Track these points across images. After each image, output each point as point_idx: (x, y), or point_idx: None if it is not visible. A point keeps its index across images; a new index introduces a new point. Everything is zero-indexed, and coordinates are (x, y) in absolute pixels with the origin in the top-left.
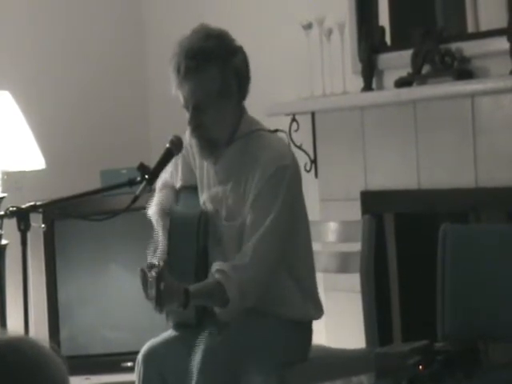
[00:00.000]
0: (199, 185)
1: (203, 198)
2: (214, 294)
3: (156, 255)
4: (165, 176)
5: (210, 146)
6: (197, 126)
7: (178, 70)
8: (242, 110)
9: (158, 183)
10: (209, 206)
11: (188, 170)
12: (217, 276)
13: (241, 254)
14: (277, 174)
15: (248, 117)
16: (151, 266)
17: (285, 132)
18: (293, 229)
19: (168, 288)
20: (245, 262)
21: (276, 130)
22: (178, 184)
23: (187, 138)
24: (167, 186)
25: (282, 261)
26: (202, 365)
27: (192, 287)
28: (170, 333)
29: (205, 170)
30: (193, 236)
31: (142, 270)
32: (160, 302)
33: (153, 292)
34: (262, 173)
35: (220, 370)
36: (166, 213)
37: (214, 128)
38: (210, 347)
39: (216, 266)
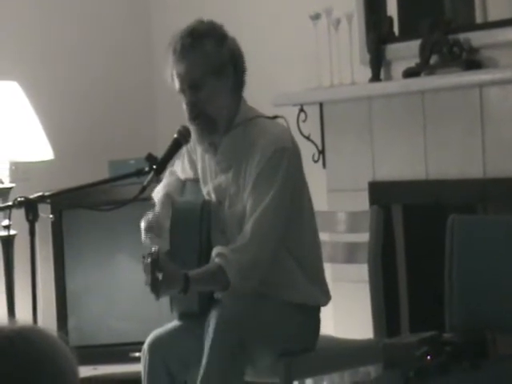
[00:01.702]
0: (201, 177)
1: (207, 189)
2: (214, 277)
3: (150, 234)
4: (172, 167)
5: (208, 125)
6: (194, 105)
7: (174, 51)
8: (239, 98)
9: (167, 171)
10: (213, 197)
11: (192, 164)
12: (216, 260)
13: (240, 235)
14: (275, 157)
15: (246, 105)
16: (149, 254)
17: (284, 118)
18: (294, 211)
19: (167, 273)
20: (244, 243)
21: (275, 117)
22: (183, 177)
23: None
24: (174, 174)
25: (284, 244)
26: (213, 347)
27: (192, 272)
28: (175, 323)
29: (206, 161)
30: (195, 226)
31: (143, 257)
32: (155, 287)
33: (148, 278)
34: (260, 157)
35: (230, 352)
36: (169, 195)
37: (211, 106)
38: (225, 308)
39: (216, 249)
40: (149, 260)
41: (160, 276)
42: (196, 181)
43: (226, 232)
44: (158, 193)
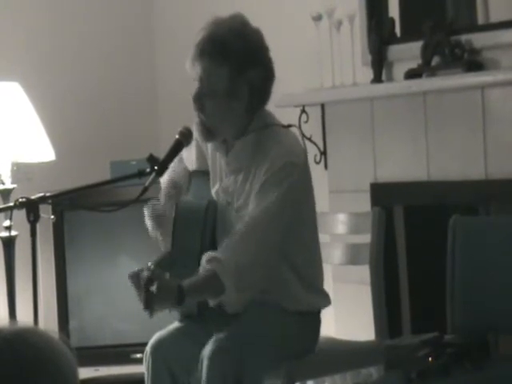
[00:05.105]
0: (211, 175)
1: (215, 188)
2: (208, 283)
3: (153, 219)
4: (182, 156)
5: (206, 133)
6: (197, 108)
7: (198, 45)
8: (253, 114)
9: (176, 158)
10: (221, 197)
11: (201, 155)
12: (208, 266)
13: (230, 234)
14: (283, 170)
15: (263, 111)
16: (142, 270)
17: (296, 126)
18: (294, 223)
19: (160, 285)
20: (232, 241)
21: (289, 125)
22: (192, 167)
23: None
24: (183, 162)
25: (282, 254)
26: (212, 354)
27: (185, 282)
28: (176, 325)
29: (217, 160)
30: (198, 229)
31: (134, 275)
32: (148, 305)
33: (142, 294)
34: (269, 166)
35: (229, 358)
36: (174, 182)
37: (212, 119)
38: (219, 337)
39: (205, 256)
40: (145, 275)
41: (154, 288)
42: (204, 172)
43: (230, 234)
44: (164, 181)
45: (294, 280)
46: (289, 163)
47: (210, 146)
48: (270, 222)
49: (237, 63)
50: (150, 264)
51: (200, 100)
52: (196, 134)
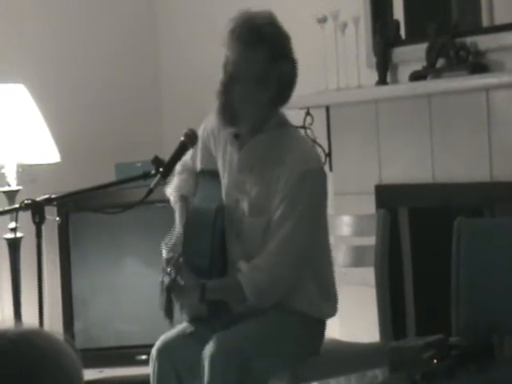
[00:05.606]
0: (221, 169)
1: (225, 183)
2: (231, 291)
3: (169, 251)
4: (185, 158)
5: (228, 115)
6: (225, 92)
7: (233, 31)
8: (274, 110)
9: (178, 165)
10: (233, 194)
11: (208, 154)
12: (238, 275)
13: (262, 256)
14: (303, 178)
15: (280, 112)
16: (168, 262)
17: (309, 128)
18: (316, 230)
19: (187, 283)
20: (264, 266)
21: (302, 127)
22: (198, 167)
23: (210, 119)
24: (187, 169)
25: (306, 260)
26: (214, 352)
27: (209, 283)
28: (183, 327)
29: (228, 154)
30: (207, 232)
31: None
32: (168, 310)
33: (163, 299)
34: (288, 175)
35: (232, 359)
36: (183, 198)
37: (238, 104)
38: (222, 336)
39: (239, 264)
40: (165, 281)
41: (181, 281)
42: (212, 172)
43: (241, 236)
44: (171, 195)
45: (312, 285)
46: (307, 171)
47: (222, 141)
48: (296, 244)
49: (270, 51)
50: (173, 254)
51: (229, 84)
52: (215, 122)
